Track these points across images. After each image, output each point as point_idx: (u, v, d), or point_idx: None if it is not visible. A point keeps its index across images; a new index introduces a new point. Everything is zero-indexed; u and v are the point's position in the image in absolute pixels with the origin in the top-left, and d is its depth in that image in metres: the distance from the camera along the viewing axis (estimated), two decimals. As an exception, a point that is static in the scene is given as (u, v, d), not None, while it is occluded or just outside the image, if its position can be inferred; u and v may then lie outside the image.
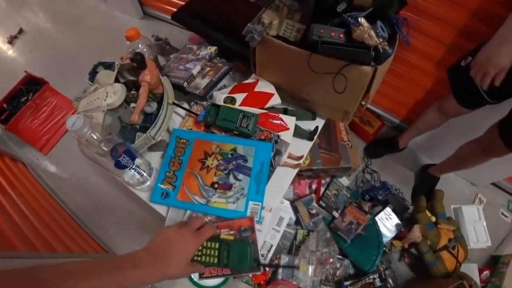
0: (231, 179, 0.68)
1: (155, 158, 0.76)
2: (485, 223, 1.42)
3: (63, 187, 1.54)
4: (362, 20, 0.60)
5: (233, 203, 0.66)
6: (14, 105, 1.71)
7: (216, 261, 0.59)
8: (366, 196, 1.32)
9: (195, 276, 0.83)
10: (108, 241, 1.38)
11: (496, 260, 1.38)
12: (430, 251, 1.24)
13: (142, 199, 0.73)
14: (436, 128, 1.32)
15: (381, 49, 0.61)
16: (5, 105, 1.69)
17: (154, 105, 0.73)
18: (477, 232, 1.41)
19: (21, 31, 2.17)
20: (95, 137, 0.52)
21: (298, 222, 1.15)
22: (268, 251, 0.72)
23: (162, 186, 0.69)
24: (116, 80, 0.76)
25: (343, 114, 0.78)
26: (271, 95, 0.77)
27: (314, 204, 1.17)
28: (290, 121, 0.76)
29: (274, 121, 0.75)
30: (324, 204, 1.17)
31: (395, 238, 1.26)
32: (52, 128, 1.71)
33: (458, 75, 1.02)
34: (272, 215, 0.68)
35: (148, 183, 0.70)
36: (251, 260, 0.59)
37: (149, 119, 0.73)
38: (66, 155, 1.61)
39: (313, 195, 1.18)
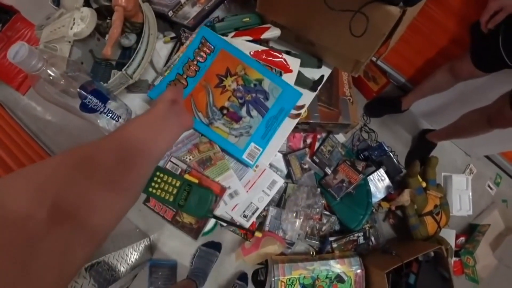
0: (243, 111, 0.61)
1: (135, 100, 0.66)
2: (470, 193, 1.45)
3: (45, 129, 1.45)
4: None
5: (235, 137, 0.60)
6: (-18, 38, 1.52)
7: (171, 199, 0.56)
8: (361, 155, 1.28)
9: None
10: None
11: (473, 228, 1.45)
12: (416, 215, 1.26)
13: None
14: (442, 92, 1.24)
15: (412, -14, 0.50)
16: None
17: (133, 38, 0.61)
18: (462, 201, 1.45)
19: None
20: (51, 73, 0.42)
21: (289, 175, 1.12)
22: (253, 214, 0.66)
23: (167, 87, 0.60)
24: (87, 4, 0.63)
25: (354, 65, 0.68)
26: (267, 28, 0.65)
27: (307, 159, 1.12)
28: (294, 63, 0.66)
29: (275, 60, 0.65)
30: (317, 160, 1.13)
31: (383, 199, 1.26)
32: (28, 63, 1.56)
33: (480, 32, 0.92)
34: (265, 176, 0.63)
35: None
36: (209, 208, 0.56)
37: (127, 54, 0.62)
38: (45, 93, 1.49)
39: (307, 149, 1.13)
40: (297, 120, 0.69)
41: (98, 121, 0.57)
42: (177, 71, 0.61)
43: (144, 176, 0.34)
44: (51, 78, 0.42)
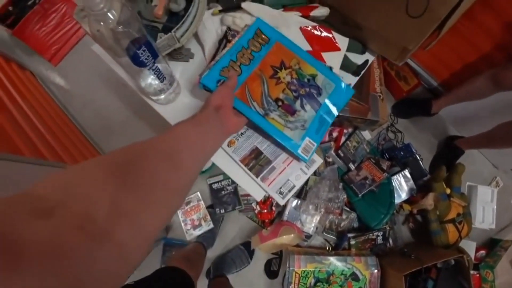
0: (297, 105, 0.60)
1: (177, 68, 0.66)
2: (495, 206, 1.40)
3: (72, 102, 1.48)
4: None
5: (291, 130, 0.58)
6: (20, 8, 1.56)
7: None
8: (386, 154, 1.25)
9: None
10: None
11: (495, 243, 1.40)
12: (437, 220, 1.23)
13: (158, 112, 0.66)
14: (480, 99, 1.19)
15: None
16: (10, 8, 1.54)
17: (182, 3, 0.61)
18: (485, 213, 1.40)
19: None
20: (111, 16, 0.42)
21: (311, 168, 1.10)
22: (289, 191, 0.63)
23: (221, 73, 0.58)
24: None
25: (400, 52, 0.66)
26: (316, 6, 0.64)
27: (332, 152, 1.11)
28: (342, 41, 0.65)
29: (324, 35, 0.64)
30: (342, 154, 1.11)
31: (405, 201, 1.23)
32: (61, 38, 1.59)
33: None
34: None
35: (166, 94, 0.62)
36: None
37: (174, 20, 0.62)
38: (76, 68, 1.52)
39: (332, 143, 1.12)
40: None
41: (141, 79, 0.58)
42: (230, 57, 0.59)
43: (191, 177, 0.34)
44: (110, 23, 0.43)
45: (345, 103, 0.63)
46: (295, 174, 0.62)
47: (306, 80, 0.61)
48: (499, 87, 1.09)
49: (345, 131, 1.15)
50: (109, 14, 0.42)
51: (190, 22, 0.58)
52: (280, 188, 0.62)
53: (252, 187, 0.63)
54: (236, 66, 0.59)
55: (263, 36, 0.62)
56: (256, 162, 0.61)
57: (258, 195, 0.63)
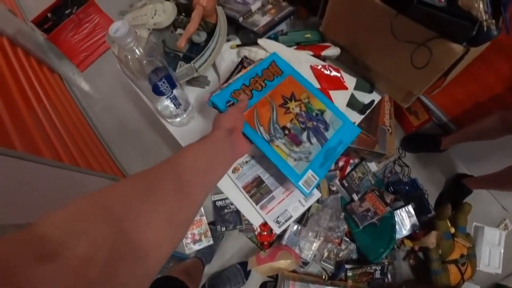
0: (304, 136, 0.60)
1: (193, 93, 0.71)
2: (502, 250, 1.35)
3: (93, 106, 1.56)
4: (473, -18, 0.49)
5: (295, 160, 0.57)
6: (58, 16, 1.69)
7: None
8: (391, 187, 1.25)
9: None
10: (127, 166, 1.42)
11: None
12: (439, 260, 1.20)
13: (170, 133, 0.70)
14: (489, 140, 1.19)
15: (485, 27, 0.50)
16: (49, 15, 1.68)
17: (203, 36, 0.67)
18: (491, 257, 1.35)
19: None
20: (138, 52, 0.47)
21: (314, 195, 1.12)
22: (286, 221, 0.66)
23: (232, 95, 0.58)
24: (168, -1, 0.69)
25: (405, 95, 0.69)
26: (328, 46, 0.68)
27: (337, 181, 1.12)
28: (350, 81, 0.68)
29: (333, 75, 0.67)
30: (346, 184, 1.12)
31: (407, 237, 1.21)
32: (91, 46, 1.70)
33: None
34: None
35: (180, 118, 0.66)
36: None
37: (194, 50, 0.67)
38: (100, 75, 1.61)
39: (337, 171, 1.13)
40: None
41: (158, 103, 0.62)
42: (243, 81, 0.61)
43: (197, 209, 0.34)
44: (136, 56, 0.47)
45: (351, 141, 0.64)
46: (293, 206, 0.65)
47: (314, 114, 0.62)
48: (509, 129, 1.08)
49: (351, 161, 1.16)
50: (136, 50, 0.47)
51: (209, 54, 0.63)
52: (278, 217, 0.64)
53: (251, 213, 0.65)
54: (247, 90, 0.60)
55: (277, 68, 0.64)
56: (257, 190, 0.64)
57: (256, 221, 0.65)
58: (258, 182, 0.65)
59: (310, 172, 0.57)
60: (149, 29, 0.64)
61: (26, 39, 1.37)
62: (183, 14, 0.71)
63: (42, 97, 1.25)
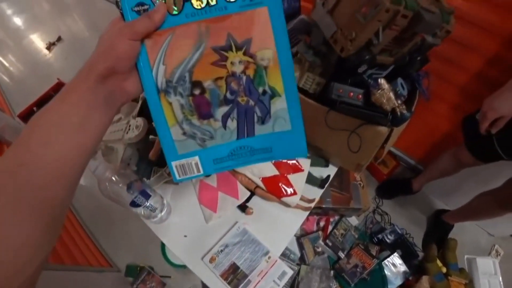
0: (220, 111, 0.39)
1: (168, 191, 0.78)
2: (501, 278, 1.34)
3: (77, 194, 1.59)
4: (382, 81, 0.61)
5: (183, 134, 0.40)
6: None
7: None
8: (375, 238, 1.29)
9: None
10: (113, 253, 1.41)
11: None
12: (439, 304, 1.19)
13: (151, 230, 0.75)
14: (450, 175, 1.28)
15: (398, 113, 0.62)
16: (35, 109, 1.80)
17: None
18: (492, 287, 1.34)
19: (59, 39, 2.33)
20: (114, 180, 0.55)
21: (302, 258, 1.14)
22: None
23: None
24: (140, 114, 0.79)
25: (356, 166, 0.78)
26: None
27: (321, 242, 1.15)
28: (305, 163, 0.77)
29: (289, 162, 0.76)
30: (330, 243, 1.15)
31: (401, 286, 1.21)
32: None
33: (472, 126, 0.96)
34: (276, 266, 0.68)
35: (157, 218, 0.72)
36: None
37: (166, 155, 0.76)
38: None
39: (320, 232, 1.17)
40: (308, 212, 0.77)
41: (135, 210, 0.68)
42: None
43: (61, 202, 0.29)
44: (114, 181, 0.55)
45: (285, 158, 0.50)
46: (269, 286, 0.68)
47: (260, 90, 0.39)
48: (461, 165, 1.17)
49: (331, 219, 1.21)
50: (112, 178, 0.54)
51: (178, 159, 0.72)
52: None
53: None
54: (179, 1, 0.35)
55: None
56: (234, 277, 0.68)
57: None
58: (234, 269, 0.68)
59: (195, 158, 0.41)
60: (124, 144, 0.73)
61: (11, 134, 1.45)
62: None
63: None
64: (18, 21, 2.59)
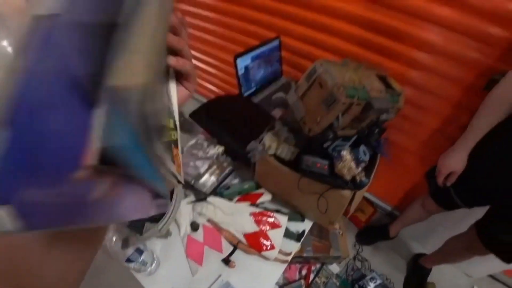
0: None
1: (157, 245, 0.85)
2: None
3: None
4: (344, 153, 0.74)
5: None
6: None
7: None
8: (356, 285, 1.33)
9: None
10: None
11: None
12: None
13: (140, 283, 0.81)
14: (421, 221, 1.36)
15: (358, 180, 0.74)
16: None
17: (165, 200, 0.85)
18: None
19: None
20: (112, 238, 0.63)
21: (286, 307, 1.17)
22: None
23: None
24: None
25: (328, 221, 0.88)
26: (261, 194, 0.89)
27: (303, 291, 1.20)
28: (282, 219, 0.87)
29: (268, 219, 0.86)
30: (312, 292, 1.20)
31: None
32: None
33: (433, 179, 1.06)
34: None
35: (147, 271, 0.78)
36: None
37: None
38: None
39: (302, 281, 1.22)
40: (285, 265, 0.84)
41: (129, 264, 0.75)
42: None
43: None
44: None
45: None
46: None
47: None
48: (429, 212, 1.26)
49: (313, 267, 1.27)
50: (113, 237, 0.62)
51: (169, 216, 0.80)
52: None
53: None
54: None
55: None
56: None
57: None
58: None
59: None
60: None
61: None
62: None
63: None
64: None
